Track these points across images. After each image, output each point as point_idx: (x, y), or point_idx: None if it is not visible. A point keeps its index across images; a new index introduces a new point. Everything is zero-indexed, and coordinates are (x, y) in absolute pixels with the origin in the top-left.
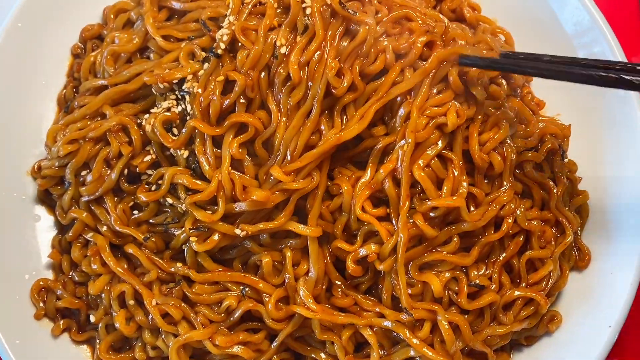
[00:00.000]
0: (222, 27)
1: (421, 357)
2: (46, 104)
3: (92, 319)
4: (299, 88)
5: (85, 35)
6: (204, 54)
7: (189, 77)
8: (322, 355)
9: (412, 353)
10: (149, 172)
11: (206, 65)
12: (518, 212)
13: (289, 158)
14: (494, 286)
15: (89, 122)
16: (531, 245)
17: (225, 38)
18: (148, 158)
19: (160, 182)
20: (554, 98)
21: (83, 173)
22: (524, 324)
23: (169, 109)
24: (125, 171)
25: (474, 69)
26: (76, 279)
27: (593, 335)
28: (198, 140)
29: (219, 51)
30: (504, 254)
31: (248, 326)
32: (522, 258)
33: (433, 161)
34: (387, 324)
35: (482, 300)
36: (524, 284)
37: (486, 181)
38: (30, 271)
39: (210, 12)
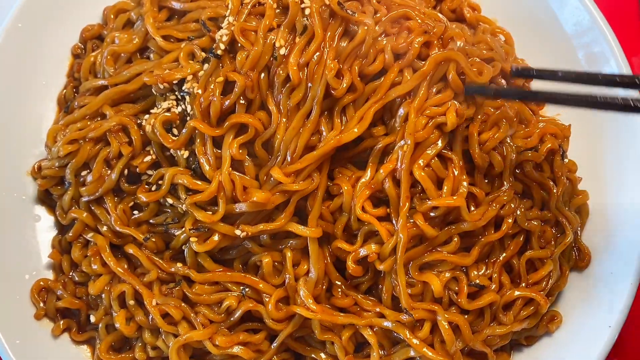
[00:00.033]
0: (222, 28)
1: (421, 357)
2: (46, 104)
3: (92, 319)
4: (298, 89)
5: (85, 35)
6: (203, 54)
7: (189, 77)
8: (322, 355)
9: (412, 353)
10: (149, 172)
11: (206, 65)
12: (518, 212)
13: (289, 159)
14: (494, 286)
15: (89, 123)
16: (531, 245)
17: (224, 39)
18: (148, 158)
19: (160, 182)
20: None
21: (83, 173)
22: (524, 324)
23: (169, 110)
24: (126, 171)
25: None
26: (76, 279)
27: (593, 335)
28: (198, 140)
29: (219, 52)
30: (504, 254)
31: (248, 326)
32: (522, 258)
33: (433, 161)
34: (387, 324)
35: (482, 300)
36: (524, 284)
37: (486, 181)
38: (30, 271)
39: (210, 13)
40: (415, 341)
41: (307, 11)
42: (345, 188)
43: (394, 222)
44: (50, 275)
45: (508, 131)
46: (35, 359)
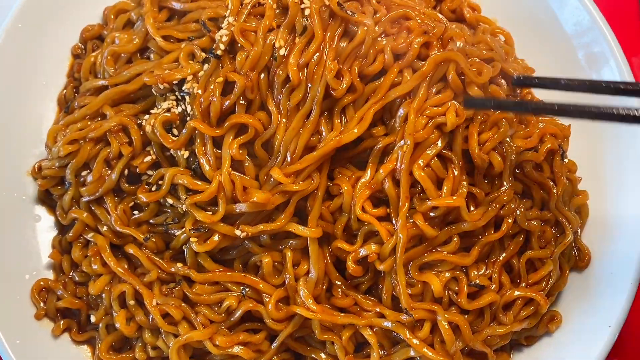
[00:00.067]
0: (222, 28)
1: (421, 357)
2: (46, 104)
3: (93, 319)
4: (298, 89)
5: (85, 35)
6: (203, 54)
7: (189, 77)
8: (322, 355)
9: (412, 353)
10: (149, 172)
11: (206, 66)
12: (518, 212)
13: (289, 159)
14: (494, 286)
15: (89, 123)
16: (531, 245)
17: (224, 39)
18: (148, 158)
19: (160, 182)
20: (554, 98)
21: (83, 173)
22: (524, 324)
23: (169, 110)
24: (126, 171)
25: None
26: (76, 279)
27: (593, 335)
28: (198, 141)
29: (219, 52)
30: (504, 254)
31: (248, 326)
32: (522, 258)
33: (433, 161)
34: (387, 324)
35: (482, 300)
36: (524, 284)
37: (486, 181)
38: (30, 271)
39: (210, 13)
40: (415, 341)
41: (306, 12)
42: (345, 188)
43: (393, 222)
44: (50, 275)
45: (508, 131)
46: (36, 359)
